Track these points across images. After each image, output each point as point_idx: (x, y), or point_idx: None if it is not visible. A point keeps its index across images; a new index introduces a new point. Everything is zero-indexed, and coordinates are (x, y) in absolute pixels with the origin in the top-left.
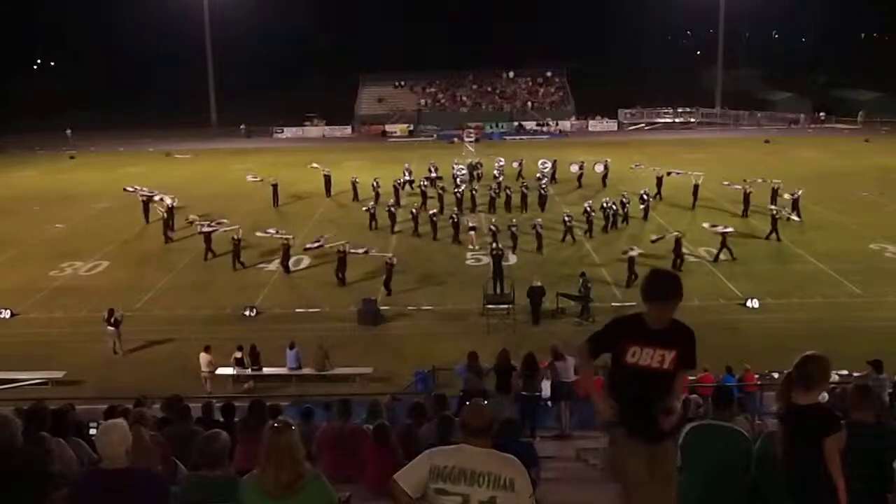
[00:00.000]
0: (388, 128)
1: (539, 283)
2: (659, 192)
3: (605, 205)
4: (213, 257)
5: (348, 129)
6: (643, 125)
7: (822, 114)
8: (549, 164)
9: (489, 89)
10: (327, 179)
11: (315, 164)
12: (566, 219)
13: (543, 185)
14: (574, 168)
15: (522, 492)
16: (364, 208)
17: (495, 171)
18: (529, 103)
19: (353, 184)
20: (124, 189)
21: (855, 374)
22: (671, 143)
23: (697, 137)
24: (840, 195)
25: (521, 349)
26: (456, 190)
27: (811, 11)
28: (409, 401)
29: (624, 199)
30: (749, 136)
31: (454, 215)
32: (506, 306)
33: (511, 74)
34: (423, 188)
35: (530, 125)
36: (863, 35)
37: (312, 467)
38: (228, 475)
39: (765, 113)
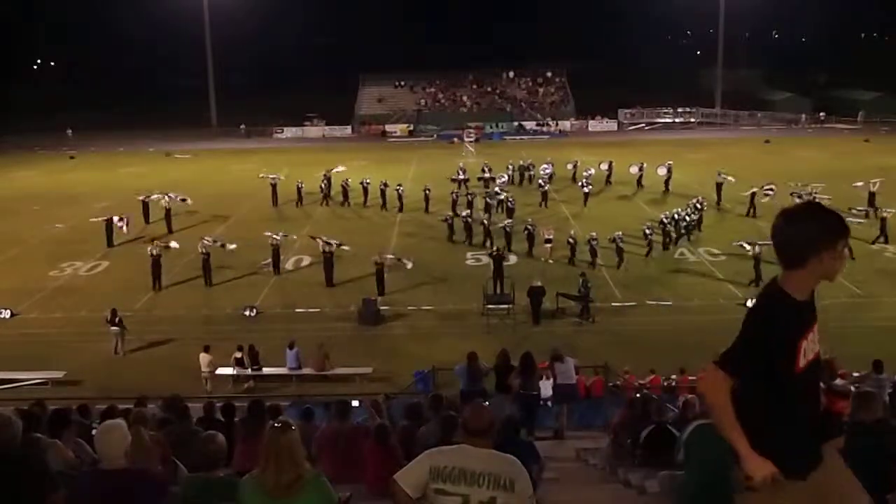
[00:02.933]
0: (388, 128)
1: (539, 283)
2: (719, 199)
3: (677, 216)
4: (159, 289)
5: (348, 129)
6: (643, 125)
7: (822, 114)
8: (592, 171)
9: (489, 89)
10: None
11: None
12: (646, 231)
13: (511, 198)
14: (634, 169)
15: (522, 492)
16: (441, 218)
17: (541, 181)
18: (529, 103)
19: (364, 187)
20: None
21: (854, 374)
22: (671, 143)
23: (697, 137)
24: (841, 195)
25: (520, 349)
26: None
27: (811, 11)
28: (403, 400)
29: (689, 210)
30: (749, 136)
31: (529, 226)
32: (506, 306)
33: (511, 74)
34: (470, 196)
35: (530, 125)
36: (863, 35)
37: (312, 467)
38: (228, 475)
39: (765, 113)
